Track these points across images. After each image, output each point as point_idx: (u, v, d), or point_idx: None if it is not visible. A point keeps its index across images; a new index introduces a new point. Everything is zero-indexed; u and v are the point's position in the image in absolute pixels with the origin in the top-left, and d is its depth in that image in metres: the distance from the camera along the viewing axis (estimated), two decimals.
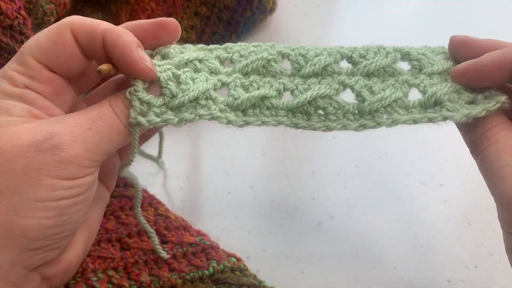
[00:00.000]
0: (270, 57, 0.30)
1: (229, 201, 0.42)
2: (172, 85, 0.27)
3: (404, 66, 0.31)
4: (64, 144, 0.25)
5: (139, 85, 0.27)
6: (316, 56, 0.30)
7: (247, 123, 0.28)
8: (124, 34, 0.27)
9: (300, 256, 0.38)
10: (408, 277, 0.37)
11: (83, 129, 0.26)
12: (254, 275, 0.35)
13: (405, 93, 0.29)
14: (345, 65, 0.30)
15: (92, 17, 0.50)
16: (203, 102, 0.28)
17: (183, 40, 0.51)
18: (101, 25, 0.27)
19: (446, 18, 0.62)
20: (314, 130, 0.29)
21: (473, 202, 0.42)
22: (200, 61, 0.29)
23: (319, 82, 0.29)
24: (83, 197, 0.27)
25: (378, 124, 0.28)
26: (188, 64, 0.29)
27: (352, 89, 0.29)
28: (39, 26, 0.40)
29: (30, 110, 0.26)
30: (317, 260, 0.38)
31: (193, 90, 0.27)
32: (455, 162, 0.37)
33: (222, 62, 0.30)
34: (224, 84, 0.29)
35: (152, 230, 0.34)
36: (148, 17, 0.47)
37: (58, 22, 0.27)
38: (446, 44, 0.33)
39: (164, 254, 0.34)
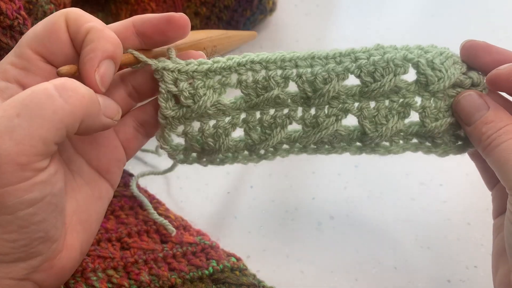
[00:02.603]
0: (278, 91, 0.29)
1: (229, 201, 0.42)
2: (195, 144, 0.30)
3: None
4: None
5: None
6: (325, 82, 0.29)
7: (266, 159, 0.32)
8: (104, 40, 0.25)
9: (300, 256, 0.38)
10: (408, 277, 0.37)
11: (10, 118, 0.21)
12: (254, 275, 0.35)
13: (406, 115, 0.29)
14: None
15: None
16: (228, 155, 0.31)
17: None
18: (91, 22, 0.26)
19: (447, 18, 0.62)
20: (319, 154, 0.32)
21: (473, 202, 0.42)
22: (210, 108, 0.29)
23: (327, 110, 0.30)
24: (44, 202, 0.23)
25: (376, 153, 0.31)
26: (203, 114, 0.29)
27: (358, 118, 0.30)
28: None
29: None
30: (317, 260, 0.38)
31: (216, 151, 0.30)
32: (455, 162, 0.37)
33: (227, 87, 0.30)
34: (240, 126, 0.30)
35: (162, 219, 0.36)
36: None
37: (56, 12, 0.27)
38: (445, 44, 0.32)
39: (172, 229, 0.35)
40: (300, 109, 0.30)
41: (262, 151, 0.31)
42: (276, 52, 0.30)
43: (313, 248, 0.39)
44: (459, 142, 0.32)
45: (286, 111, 0.30)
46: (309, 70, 0.29)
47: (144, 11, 0.47)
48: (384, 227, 0.40)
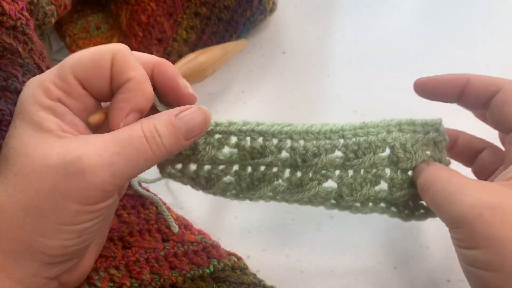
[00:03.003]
0: (272, 158, 0.33)
1: (229, 201, 0.42)
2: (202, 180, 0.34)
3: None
4: (91, 169, 0.25)
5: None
6: (314, 156, 0.33)
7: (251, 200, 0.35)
8: (140, 95, 0.28)
9: (300, 256, 0.38)
10: (408, 277, 0.37)
11: (111, 154, 0.26)
12: (254, 274, 0.35)
13: (377, 183, 0.34)
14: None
15: (93, 17, 0.50)
16: (223, 191, 0.35)
17: (183, 40, 0.51)
18: (135, 71, 0.28)
19: (446, 19, 0.62)
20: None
21: None
22: (211, 158, 0.33)
23: (312, 175, 0.34)
24: (103, 217, 0.28)
25: (347, 210, 0.35)
26: (205, 161, 0.33)
27: (338, 185, 0.34)
28: (39, 27, 0.40)
29: (60, 124, 0.27)
30: (317, 260, 0.38)
31: (213, 189, 0.34)
32: (453, 162, 0.37)
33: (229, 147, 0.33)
34: (236, 175, 0.34)
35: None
36: (149, 18, 0.47)
37: (106, 45, 0.28)
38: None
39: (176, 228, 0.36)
40: (287, 170, 0.34)
41: (247, 197, 0.35)
42: (274, 124, 0.33)
43: (313, 248, 0.39)
44: (421, 211, 0.36)
45: (275, 170, 0.34)
46: (302, 143, 0.33)
47: (144, 11, 0.47)
48: (384, 227, 0.40)
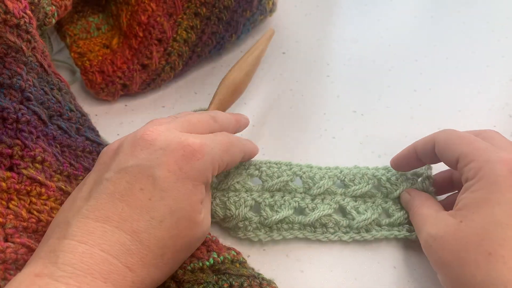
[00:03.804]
0: (288, 178, 0.40)
1: None
2: (219, 211, 0.38)
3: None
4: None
5: None
6: (321, 179, 0.40)
7: (271, 238, 0.38)
8: (253, 147, 0.39)
9: (300, 256, 0.38)
10: (407, 277, 0.37)
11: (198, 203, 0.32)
12: (253, 269, 0.35)
13: (379, 213, 0.39)
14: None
15: (93, 18, 0.50)
16: (241, 224, 0.38)
17: (183, 40, 0.51)
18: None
19: (446, 19, 0.62)
20: (317, 239, 0.39)
21: None
22: (237, 182, 0.39)
23: (322, 201, 0.40)
24: None
25: (362, 238, 0.38)
26: (230, 187, 0.39)
27: (345, 209, 0.39)
28: (40, 27, 0.40)
29: None
30: (316, 260, 0.38)
31: (235, 217, 0.38)
32: None
33: (252, 177, 0.40)
34: (256, 202, 0.39)
35: None
36: (149, 18, 0.47)
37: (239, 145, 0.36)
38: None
39: None
40: (302, 196, 0.40)
41: (269, 222, 0.38)
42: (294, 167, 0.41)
43: (313, 248, 0.39)
44: None
45: (292, 195, 0.40)
46: (310, 173, 0.41)
47: (145, 12, 0.47)
48: None
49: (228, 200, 0.38)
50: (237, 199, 0.38)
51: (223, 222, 0.39)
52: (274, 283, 0.33)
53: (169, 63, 0.49)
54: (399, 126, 0.48)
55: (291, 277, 0.37)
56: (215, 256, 0.34)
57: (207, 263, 0.34)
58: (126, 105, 0.50)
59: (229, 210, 0.38)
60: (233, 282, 0.32)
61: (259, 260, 0.37)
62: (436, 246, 0.32)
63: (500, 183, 0.31)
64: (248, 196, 0.38)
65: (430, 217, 0.35)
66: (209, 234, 0.37)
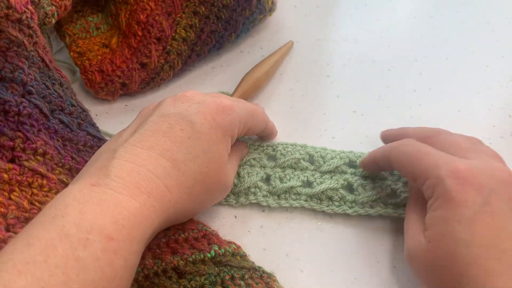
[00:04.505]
0: (301, 156, 0.43)
1: None
2: (234, 179, 0.40)
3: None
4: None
5: None
6: (332, 158, 0.42)
7: (279, 205, 0.40)
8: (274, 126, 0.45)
9: (300, 256, 0.38)
10: (407, 276, 0.37)
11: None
12: (253, 262, 0.35)
13: (387, 193, 0.40)
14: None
15: (92, 18, 0.50)
16: (252, 190, 0.41)
17: (182, 39, 0.51)
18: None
19: (445, 19, 0.62)
20: (323, 211, 0.40)
21: None
22: (254, 159, 0.43)
23: (331, 177, 0.41)
24: None
25: (366, 213, 0.39)
26: (246, 162, 0.43)
27: (352, 185, 0.41)
28: (40, 27, 0.40)
29: None
30: (316, 259, 0.38)
31: (246, 183, 0.41)
32: None
33: (269, 157, 0.43)
34: (268, 176, 0.42)
35: None
36: (147, 17, 0.47)
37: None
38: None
39: None
40: (312, 172, 0.42)
41: (277, 190, 0.41)
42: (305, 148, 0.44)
43: (313, 247, 0.39)
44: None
45: (303, 172, 0.42)
46: (322, 153, 0.44)
47: (143, 11, 0.47)
48: (384, 226, 0.40)
49: (242, 170, 0.42)
50: (251, 170, 0.42)
51: (235, 187, 0.41)
52: (274, 276, 0.34)
53: (168, 62, 0.49)
54: (399, 126, 0.48)
55: (291, 276, 0.37)
56: (216, 248, 0.34)
57: (209, 255, 0.34)
58: (126, 105, 0.50)
59: (243, 177, 0.41)
60: (235, 274, 0.32)
61: (259, 260, 0.37)
62: (412, 261, 0.33)
63: (455, 199, 0.30)
64: (261, 171, 0.42)
65: (411, 229, 0.34)
66: (209, 228, 0.37)
